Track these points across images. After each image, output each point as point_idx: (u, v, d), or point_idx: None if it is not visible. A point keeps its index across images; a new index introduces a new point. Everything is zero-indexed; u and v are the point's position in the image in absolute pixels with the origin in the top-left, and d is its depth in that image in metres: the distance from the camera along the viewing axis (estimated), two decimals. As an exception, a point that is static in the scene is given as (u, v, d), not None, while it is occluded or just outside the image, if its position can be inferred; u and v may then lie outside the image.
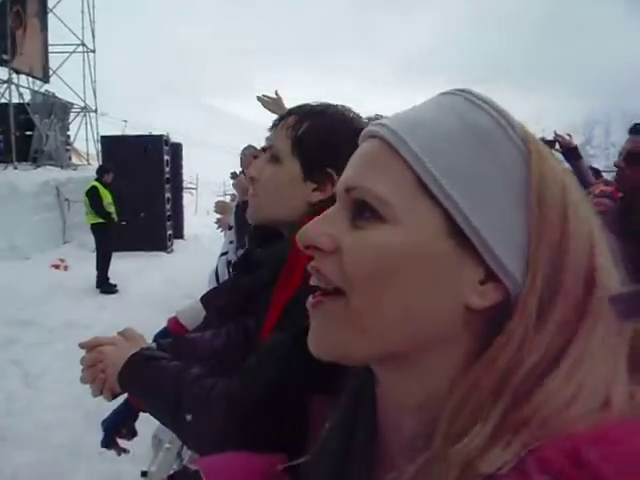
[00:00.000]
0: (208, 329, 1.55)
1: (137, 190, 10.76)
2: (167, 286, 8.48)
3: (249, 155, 6.88)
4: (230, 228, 3.89)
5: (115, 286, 8.50)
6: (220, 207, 5.40)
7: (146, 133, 12.78)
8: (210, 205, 6.95)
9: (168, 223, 12.00)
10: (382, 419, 0.57)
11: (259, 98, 3.08)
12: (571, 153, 3.15)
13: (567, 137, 3.20)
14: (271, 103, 3.21)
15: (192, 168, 20.66)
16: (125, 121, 19.55)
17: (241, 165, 6.93)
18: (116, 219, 8.91)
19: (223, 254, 3.83)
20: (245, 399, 0.97)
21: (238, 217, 3.73)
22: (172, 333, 2.44)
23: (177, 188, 12.98)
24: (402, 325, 0.49)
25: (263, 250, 1.49)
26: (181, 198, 13.57)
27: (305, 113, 1.17)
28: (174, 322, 2.46)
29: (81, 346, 1.23)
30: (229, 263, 3.87)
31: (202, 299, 2.38)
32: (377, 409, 0.58)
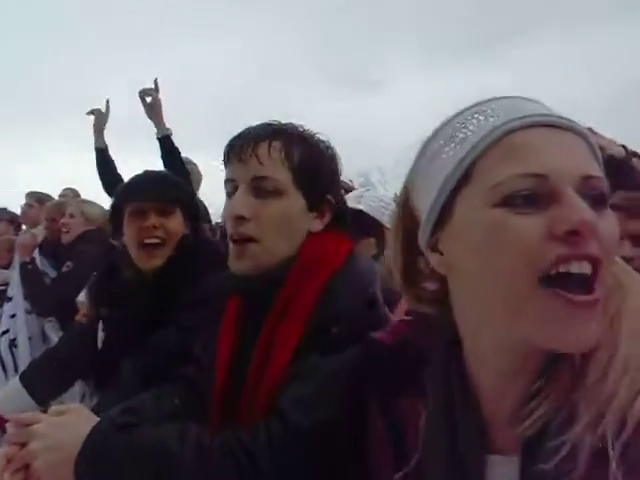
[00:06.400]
0: (121, 396, 1.30)
1: None
2: None
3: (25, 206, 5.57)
4: (8, 300, 3.21)
5: None
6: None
7: None
8: None
9: None
10: (481, 396, 0.67)
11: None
12: None
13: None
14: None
15: None
16: None
17: (23, 219, 5.55)
18: None
19: (4, 332, 3.12)
20: (305, 431, 0.91)
21: (27, 280, 3.12)
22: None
23: None
24: None
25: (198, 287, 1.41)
26: None
27: (289, 139, 1.09)
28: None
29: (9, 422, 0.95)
30: (12, 342, 3.18)
31: (24, 378, 1.99)
32: (472, 388, 0.67)
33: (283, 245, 1.07)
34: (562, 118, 0.61)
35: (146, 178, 1.71)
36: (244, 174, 1.07)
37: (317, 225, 1.11)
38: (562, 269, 0.56)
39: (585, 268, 0.56)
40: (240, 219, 1.05)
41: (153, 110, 2.70)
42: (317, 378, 0.94)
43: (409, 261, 0.72)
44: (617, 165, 2.41)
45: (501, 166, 0.59)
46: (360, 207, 1.82)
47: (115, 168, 3.04)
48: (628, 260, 1.58)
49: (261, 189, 1.06)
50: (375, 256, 1.74)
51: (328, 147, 1.14)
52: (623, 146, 2.59)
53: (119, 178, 2.88)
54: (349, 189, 3.45)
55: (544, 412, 0.58)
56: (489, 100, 0.66)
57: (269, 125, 1.12)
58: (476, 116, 0.64)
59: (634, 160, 2.67)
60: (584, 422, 0.54)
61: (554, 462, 0.54)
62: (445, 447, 0.67)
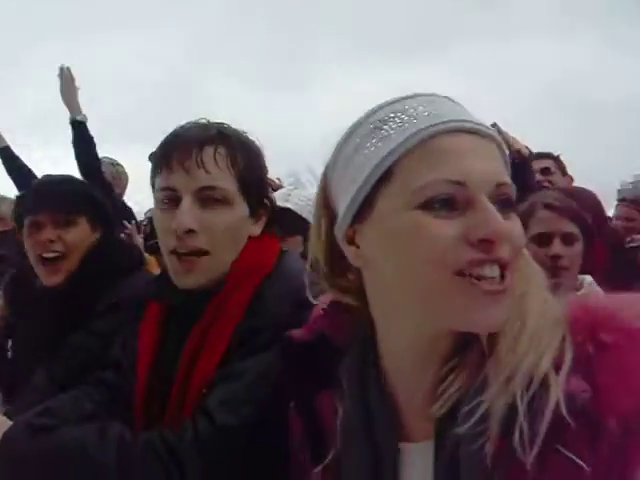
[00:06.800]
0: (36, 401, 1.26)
1: None
2: None
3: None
4: None
5: None
6: None
7: None
8: None
9: None
10: (396, 386, 0.71)
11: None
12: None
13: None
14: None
15: None
16: None
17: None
18: None
19: None
20: (234, 430, 0.92)
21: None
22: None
23: None
24: None
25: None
26: None
27: (232, 144, 1.06)
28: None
29: None
30: None
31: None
32: (387, 379, 0.72)
33: (231, 254, 1.06)
34: (481, 125, 0.66)
35: (43, 187, 1.61)
36: (189, 184, 1.02)
37: (256, 230, 1.11)
38: (475, 272, 0.61)
39: (495, 272, 0.62)
40: (189, 232, 1.01)
41: (66, 92, 2.68)
42: (245, 379, 0.95)
43: (334, 249, 0.74)
44: (519, 164, 2.62)
45: (423, 170, 0.62)
46: (288, 205, 1.84)
47: (22, 164, 2.92)
48: (558, 257, 1.72)
49: (209, 199, 1.03)
50: (303, 254, 1.76)
51: (259, 149, 1.13)
52: (526, 147, 2.83)
53: (28, 173, 2.80)
54: (276, 188, 3.45)
55: (456, 389, 0.63)
56: (408, 97, 0.69)
57: (207, 127, 1.07)
58: (398, 114, 0.66)
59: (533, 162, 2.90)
60: (496, 385, 0.60)
61: (468, 425, 0.59)
62: (361, 439, 0.70)
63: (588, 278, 1.82)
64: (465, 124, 0.64)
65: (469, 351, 0.65)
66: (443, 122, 0.64)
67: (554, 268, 1.69)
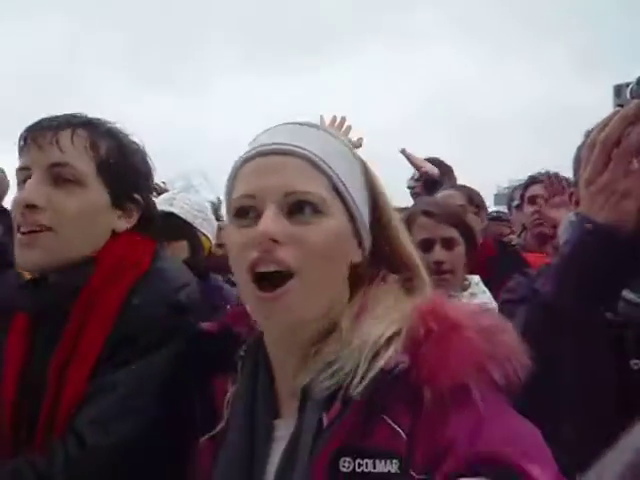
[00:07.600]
0: None
1: None
2: None
3: None
4: None
5: None
6: None
7: None
8: None
9: None
10: (276, 370, 0.79)
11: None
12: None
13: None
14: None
15: None
16: None
17: None
18: None
19: None
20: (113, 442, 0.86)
21: None
22: None
23: None
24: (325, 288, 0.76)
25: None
26: None
27: (96, 130, 1.03)
28: None
29: None
30: None
31: None
32: (271, 364, 0.80)
33: (81, 240, 0.99)
34: (288, 145, 0.75)
35: None
36: (41, 160, 0.97)
37: (122, 224, 1.05)
38: (257, 270, 0.72)
39: (271, 268, 0.71)
40: (32, 207, 0.95)
41: None
42: (117, 393, 0.89)
43: None
44: (433, 183, 2.73)
45: (233, 191, 0.77)
46: (172, 209, 1.76)
47: None
48: (440, 263, 1.75)
49: (60, 177, 0.97)
50: (189, 259, 1.66)
51: (138, 146, 1.09)
52: (440, 163, 2.95)
53: None
54: (161, 191, 3.28)
55: (316, 366, 0.72)
56: (276, 127, 0.80)
57: (74, 116, 1.04)
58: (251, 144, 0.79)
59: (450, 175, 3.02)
60: (347, 370, 0.70)
61: (321, 387, 0.69)
62: (243, 415, 0.78)
63: (475, 278, 1.89)
64: (265, 148, 0.75)
65: (328, 338, 0.74)
66: (254, 148, 0.76)
67: (437, 272, 1.74)
